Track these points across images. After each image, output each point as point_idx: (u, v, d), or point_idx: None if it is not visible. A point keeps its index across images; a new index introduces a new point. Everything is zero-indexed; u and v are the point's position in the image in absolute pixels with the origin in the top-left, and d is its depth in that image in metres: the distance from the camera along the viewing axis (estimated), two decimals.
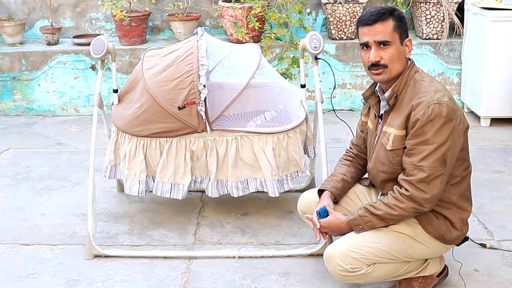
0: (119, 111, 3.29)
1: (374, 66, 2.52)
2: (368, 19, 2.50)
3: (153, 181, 3.23)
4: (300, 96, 3.45)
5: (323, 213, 2.68)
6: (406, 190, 2.47)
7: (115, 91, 3.41)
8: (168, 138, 3.15)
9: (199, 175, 3.22)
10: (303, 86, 3.45)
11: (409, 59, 2.59)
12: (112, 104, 3.43)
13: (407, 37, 2.56)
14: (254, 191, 3.22)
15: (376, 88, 2.67)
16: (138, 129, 3.15)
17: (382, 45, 2.49)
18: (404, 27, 2.53)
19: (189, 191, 3.23)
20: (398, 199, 2.49)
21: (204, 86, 3.03)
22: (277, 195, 3.18)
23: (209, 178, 3.21)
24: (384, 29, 2.48)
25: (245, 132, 3.16)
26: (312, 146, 3.44)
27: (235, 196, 3.21)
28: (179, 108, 3.06)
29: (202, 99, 3.04)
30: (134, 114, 3.16)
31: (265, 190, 3.21)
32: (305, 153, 3.41)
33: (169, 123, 3.10)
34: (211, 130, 3.13)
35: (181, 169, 3.17)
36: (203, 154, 3.16)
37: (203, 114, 3.06)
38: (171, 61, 3.18)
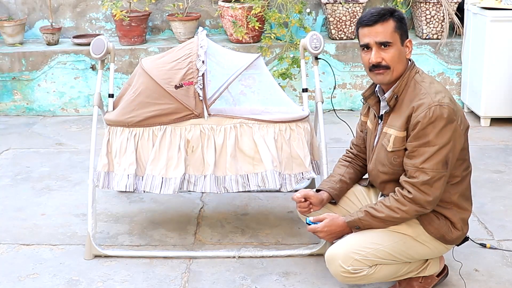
0: (112, 111, 3.22)
1: (376, 67, 2.51)
2: (369, 20, 2.49)
3: (142, 180, 3.06)
4: (303, 103, 3.37)
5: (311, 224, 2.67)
6: (409, 192, 2.46)
7: (111, 95, 3.26)
8: (162, 126, 3.01)
9: (193, 173, 3.05)
10: (304, 90, 3.39)
11: (409, 60, 2.59)
12: (107, 111, 3.25)
13: (407, 38, 2.55)
14: (255, 188, 3.06)
15: (376, 89, 2.66)
16: (131, 115, 3.02)
17: (383, 46, 2.49)
18: (404, 27, 2.53)
19: (188, 191, 3.19)
20: (400, 201, 2.49)
21: (203, 62, 2.96)
22: (278, 187, 3.04)
23: (205, 177, 3.05)
24: (385, 30, 2.48)
25: (244, 118, 3.04)
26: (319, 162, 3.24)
27: (234, 191, 3.05)
28: (176, 87, 2.98)
29: (200, 75, 2.96)
30: (128, 101, 3.07)
31: (266, 185, 3.05)
32: (316, 173, 3.24)
33: (165, 104, 2.99)
34: (209, 115, 3.01)
35: (174, 161, 3.01)
36: (199, 145, 3.02)
37: (200, 92, 2.96)
38: (171, 50, 3.18)
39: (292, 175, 3.09)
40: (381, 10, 2.51)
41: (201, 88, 2.98)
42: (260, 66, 3.41)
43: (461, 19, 5.25)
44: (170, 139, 3.02)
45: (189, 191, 3.10)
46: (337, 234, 2.63)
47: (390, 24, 2.48)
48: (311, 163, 3.17)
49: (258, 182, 3.05)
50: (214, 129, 3.02)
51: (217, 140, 3.02)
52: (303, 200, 2.75)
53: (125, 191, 3.10)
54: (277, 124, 3.05)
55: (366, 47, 2.53)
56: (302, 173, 3.11)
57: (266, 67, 3.55)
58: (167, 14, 5.58)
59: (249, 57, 3.41)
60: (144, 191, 3.07)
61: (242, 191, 3.11)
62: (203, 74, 2.98)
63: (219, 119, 3.04)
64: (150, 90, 3.02)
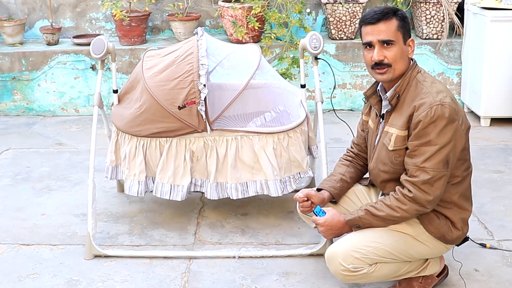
0: (119, 111, 3.29)
1: (378, 65, 2.52)
2: (372, 18, 2.50)
3: (153, 182, 3.23)
4: (300, 96, 3.44)
5: (320, 212, 2.67)
6: (409, 191, 2.47)
7: (115, 91, 3.40)
8: (168, 138, 3.14)
9: (199, 178, 3.21)
10: (303, 86, 3.44)
11: (412, 59, 2.59)
12: (112, 104, 3.42)
13: (410, 37, 2.56)
14: (254, 194, 3.19)
15: (378, 88, 2.67)
16: (138, 129, 3.14)
17: (385, 44, 2.49)
18: (407, 27, 2.54)
19: (189, 192, 3.23)
20: (400, 200, 2.49)
21: (204, 85, 3.02)
22: (279, 195, 3.17)
23: (208, 181, 3.19)
24: (388, 28, 2.48)
25: (245, 132, 3.15)
26: (316, 146, 3.42)
27: (234, 198, 3.19)
28: (179, 108, 3.06)
29: (202, 98, 3.03)
30: (134, 114, 3.16)
31: (265, 192, 3.18)
32: (309, 154, 3.39)
33: (169, 123, 3.09)
34: (211, 130, 3.12)
35: (181, 170, 3.16)
36: (203, 155, 3.15)
37: (203, 113, 3.05)
38: (171, 61, 3.18)
39: (291, 176, 3.22)
40: (384, 8, 2.52)
41: (203, 110, 3.05)
42: (261, 66, 3.41)
43: (461, 19, 5.25)
44: (176, 150, 3.15)
45: (195, 191, 3.21)
46: (336, 231, 2.64)
47: (393, 23, 2.49)
48: (310, 148, 3.34)
49: (257, 189, 3.18)
50: (216, 140, 3.14)
51: (219, 150, 3.14)
52: (305, 199, 2.75)
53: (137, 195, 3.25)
54: (276, 134, 3.15)
55: (369, 45, 2.53)
56: (299, 173, 3.23)
57: (268, 64, 3.62)
58: (167, 14, 5.58)
59: (250, 56, 3.43)
60: (154, 193, 3.22)
61: (242, 198, 3.22)
62: (205, 97, 3.04)
63: (221, 132, 3.14)
64: (154, 109, 3.11)
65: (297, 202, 2.85)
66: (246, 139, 3.14)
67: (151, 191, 3.25)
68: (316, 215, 2.67)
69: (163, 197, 3.19)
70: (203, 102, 3.04)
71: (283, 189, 3.19)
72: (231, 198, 3.20)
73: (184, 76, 3.07)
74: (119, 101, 3.39)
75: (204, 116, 3.06)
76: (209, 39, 3.34)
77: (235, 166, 3.15)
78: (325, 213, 2.65)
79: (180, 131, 3.11)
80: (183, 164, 3.15)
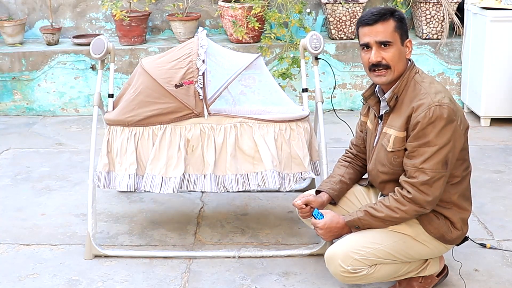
0: (112, 111, 3.22)
1: (375, 66, 2.51)
2: (369, 19, 2.49)
3: (142, 179, 3.06)
4: (303, 103, 3.37)
5: (318, 215, 2.67)
6: (408, 192, 2.47)
7: (111, 95, 3.25)
8: (161, 126, 3.01)
9: (193, 173, 3.05)
10: (304, 90, 3.38)
11: (409, 60, 2.59)
12: (107, 111, 3.24)
13: (407, 38, 2.56)
14: (255, 187, 3.07)
15: (376, 89, 2.66)
16: (131, 114, 3.02)
17: (383, 46, 2.49)
18: (404, 27, 2.53)
19: (189, 191, 3.20)
20: (399, 201, 2.49)
21: (203, 61, 2.95)
22: (277, 187, 3.06)
23: (204, 176, 3.05)
24: (385, 29, 2.48)
25: (245, 118, 3.04)
26: (318, 162, 3.24)
27: (234, 190, 3.06)
28: (176, 86, 2.97)
29: (200, 74, 2.96)
30: (128, 100, 3.07)
31: (265, 185, 3.06)
32: (315, 173, 3.23)
33: (165, 103, 2.99)
34: (209, 114, 3.01)
35: (174, 160, 3.01)
36: (199, 145, 3.03)
37: (200, 91, 2.96)
38: (171, 50, 3.17)
39: (291, 174, 3.10)
40: (381, 9, 2.52)
41: (201, 87, 2.97)
42: (260, 66, 3.40)
43: (461, 19, 5.25)
44: (170, 138, 3.02)
45: (189, 191, 3.12)
46: (336, 233, 2.64)
47: (391, 24, 2.49)
48: (310, 163, 3.17)
49: (258, 181, 3.06)
50: (214, 128, 3.03)
51: (217, 139, 3.02)
52: (304, 206, 2.75)
53: (126, 191, 3.09)
54: (277, 123, 3.05)
55: (366, 46, 2.53)
56: (301, 173, 3.12)
57: (266, 67, 3.55)
58: (167, 14, 5.58)
59: (249, 57, 3.41)
60: (144, 191, 3.07)
61: (242, 191, 3.11)
62: (203, 73, 2.98)
63: (219, 118, 3.04)
64: (150, 89, 3.02)
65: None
66: (245, 126, 3.03)
67: (142, 191, 3.09)
68: (315, 218, 2.67)
69: (153, 191, 3.02)
70: (201, 79, 2.96)
71: (281, 184, 3.06)
72: (230, 190, 3.06)
73: (183, 58, 3.02)
74: (113, 107, 3.21)
75: (201, 95, 2.96)
76: (214, 45, 3.31)
77: (234, 156, 3.03)
78: (323, 216, 2.65)
79: (175, 113, 2.99)
80: (177, 154, 3.01)
